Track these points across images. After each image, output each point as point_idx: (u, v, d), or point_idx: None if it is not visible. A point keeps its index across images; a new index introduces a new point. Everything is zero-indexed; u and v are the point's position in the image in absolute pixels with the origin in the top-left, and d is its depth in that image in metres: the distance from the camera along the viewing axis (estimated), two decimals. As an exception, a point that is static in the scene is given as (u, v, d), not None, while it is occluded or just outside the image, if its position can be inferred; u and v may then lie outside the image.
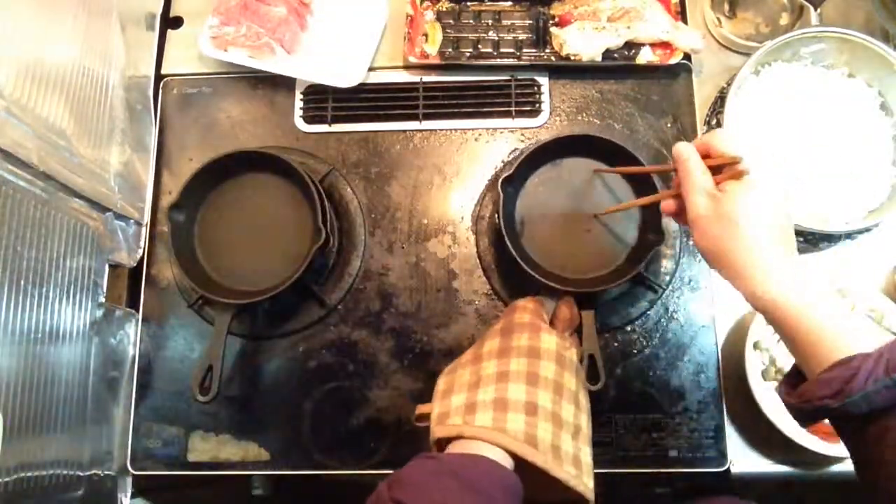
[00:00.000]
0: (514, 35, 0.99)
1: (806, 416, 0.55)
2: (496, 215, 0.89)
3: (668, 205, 0.66)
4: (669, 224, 0.88)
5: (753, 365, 0.83)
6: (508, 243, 0.82)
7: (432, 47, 0.99)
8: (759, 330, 0.85)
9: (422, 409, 0.71)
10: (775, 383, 0.83)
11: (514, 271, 0.91)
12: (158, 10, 1.03)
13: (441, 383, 0.71)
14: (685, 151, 0.61)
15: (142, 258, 0.95)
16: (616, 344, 0.90)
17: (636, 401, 0.88)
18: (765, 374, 0.85)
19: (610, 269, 0.86)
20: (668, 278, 0.90)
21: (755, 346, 0.85)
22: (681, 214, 0.64)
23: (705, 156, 0.61)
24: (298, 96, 1.00)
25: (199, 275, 0.88)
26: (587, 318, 0.81)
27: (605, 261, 0.87)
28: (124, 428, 0.89)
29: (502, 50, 0.99)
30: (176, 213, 0.87)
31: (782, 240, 0.57)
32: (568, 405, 0.66)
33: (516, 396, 0.65)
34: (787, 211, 0.58)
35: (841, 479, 0.85)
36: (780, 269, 0.56)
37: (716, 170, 0.60)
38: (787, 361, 0.84)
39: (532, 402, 0.64)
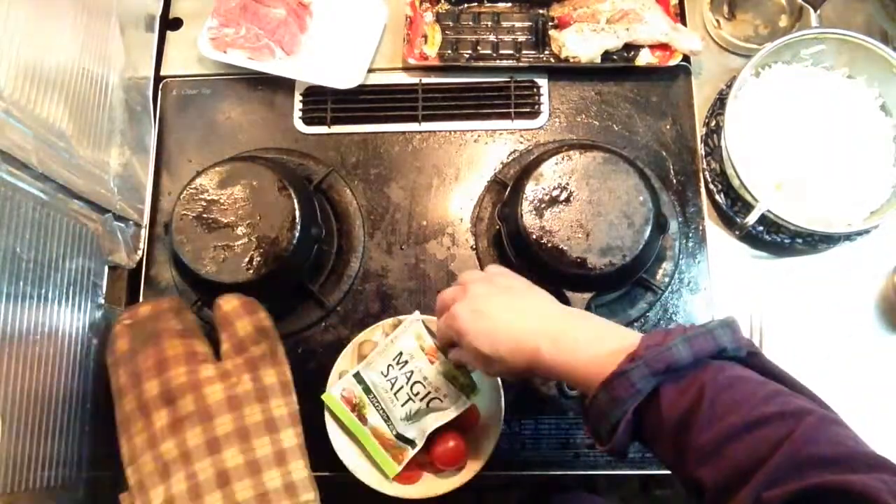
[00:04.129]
0: (514, 37, 0.99)
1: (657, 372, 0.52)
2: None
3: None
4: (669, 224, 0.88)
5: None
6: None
7: (431, 49, 0.99)
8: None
9: None
10: None
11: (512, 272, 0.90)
12: (158, 12, 1.03)
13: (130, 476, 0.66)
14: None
15: (141, 259, 0.95)
16: (615, 345, 0.89)
17: (635, 402, 0.87)
18: None
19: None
20: (667, 279, 0.90)
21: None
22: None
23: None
24: (298, 98, 1.00)
25: (205, 287, 0.88)
26: None
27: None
28: (123, 429, 0.89)
29: (501, 52, 0.99)
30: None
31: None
32: (262, 440, 0.65)
33: (205, 475, 0.62)
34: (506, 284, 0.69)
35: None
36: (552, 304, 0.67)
37: None
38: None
39: (223, 470, 0.62)
